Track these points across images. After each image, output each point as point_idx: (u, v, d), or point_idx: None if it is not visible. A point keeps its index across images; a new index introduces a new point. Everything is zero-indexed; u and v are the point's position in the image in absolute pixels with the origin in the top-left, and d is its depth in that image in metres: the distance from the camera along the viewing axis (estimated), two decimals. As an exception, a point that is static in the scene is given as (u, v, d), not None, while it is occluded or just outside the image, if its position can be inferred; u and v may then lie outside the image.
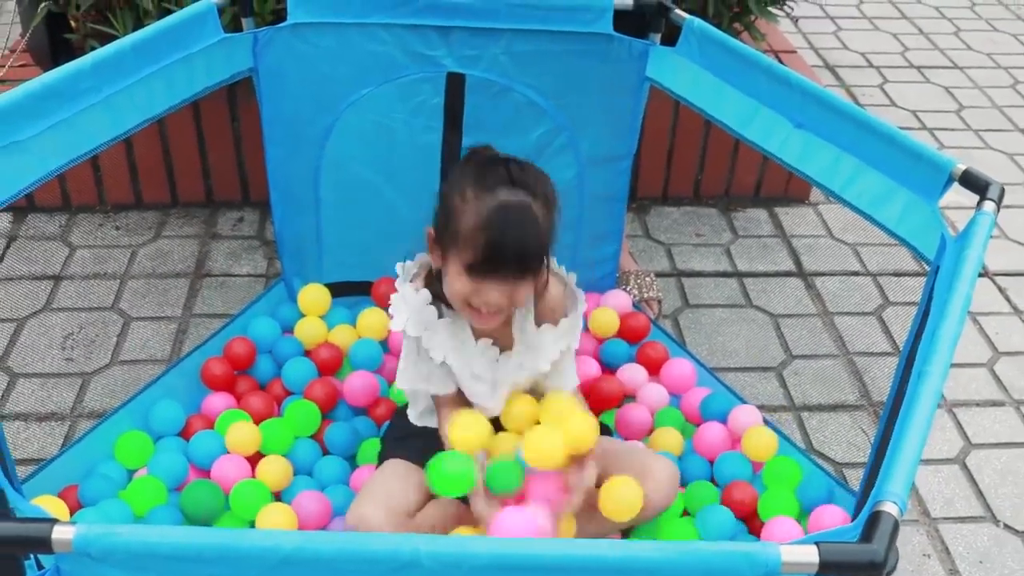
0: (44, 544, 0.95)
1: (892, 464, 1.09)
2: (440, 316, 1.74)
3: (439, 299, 1.72)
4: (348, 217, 2.29)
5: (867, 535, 1.00)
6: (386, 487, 1.76)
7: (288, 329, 2.29)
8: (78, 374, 2.34)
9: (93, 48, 2.61)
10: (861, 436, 2.28)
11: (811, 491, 1.95)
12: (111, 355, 2.40)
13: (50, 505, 1.77)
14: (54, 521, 0.96)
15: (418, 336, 1.73)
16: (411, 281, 1.76)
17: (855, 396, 2.40)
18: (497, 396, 1.77)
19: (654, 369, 2.25)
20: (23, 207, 2.87)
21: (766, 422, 2.11)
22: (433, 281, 1.73)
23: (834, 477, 2.05)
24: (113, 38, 2.46)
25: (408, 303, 1.73)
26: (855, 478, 2.17)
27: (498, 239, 1.53)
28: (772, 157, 1.92)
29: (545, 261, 1.62)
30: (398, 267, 1.79)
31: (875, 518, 1.02)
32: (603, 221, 2.36)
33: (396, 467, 1.81)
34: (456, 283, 1.61)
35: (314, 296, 2.31)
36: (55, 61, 2.75)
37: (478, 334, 1.75)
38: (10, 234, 2.79)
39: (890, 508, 1.03)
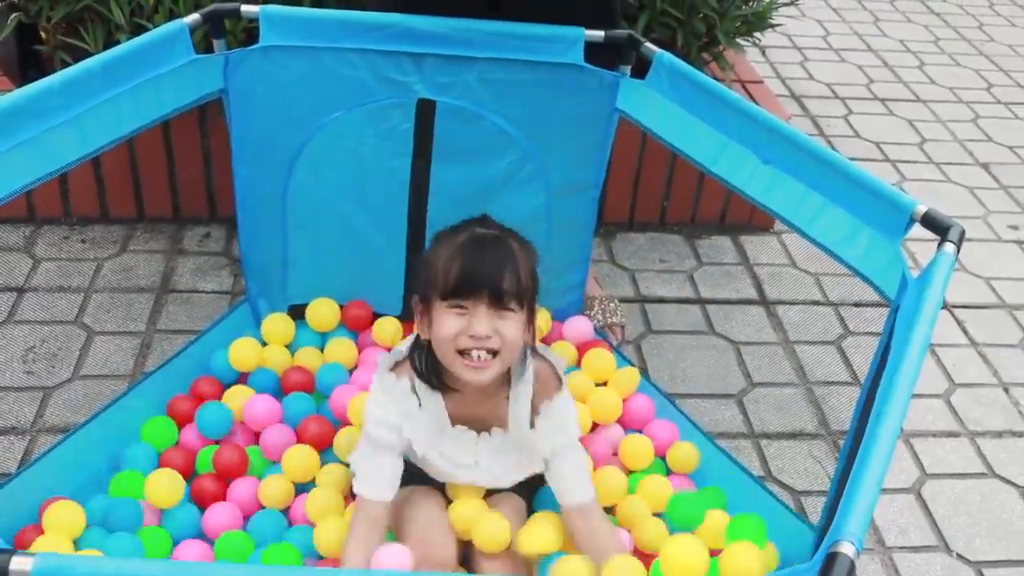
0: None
1: (849, 504, 1.11)
2: (419, 406, 1.74)
3: (423, 378, 1.73)
4: (315, 240, 2.29)
5: (823, 576, 1.02)
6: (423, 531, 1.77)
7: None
8: (39, 388, 2.32)
9: (63, 61, 2.61)
10: (818, 465, 2.30)
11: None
12: (73, 369, 2.38)
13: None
14: (11, 552, 0.96)
15: (397, 427, 1.72)
16: (391, 370, 1.76)
17: (814, 425, 2.42)
18: (488, 473, 1.80)
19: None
20: (-14, 218, 2.84)
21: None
22: (419, 358, 1.73)
23: (789, 507, 2.07)
24: (84, 51, 2.47)
25: (387, 390, 1.74)
26: (812, 507, 2.19)
27: (473, 257, 1.60)
28: (738, 192, 1.94)
29: (527, 295, 1.65)
30: (379, 356, 1.85)
31: (831, 559, 1.04)
32: (570, 249, 2.36)
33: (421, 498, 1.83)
34: (442, 326, 1.62)
35: (278, 326, 2.30)
36: (24, 73, 2.74)
37: (455, 419, 1.76)
38: (-27, 245, 2.77)
39: (847, 549, 1.05)
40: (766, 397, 2.49)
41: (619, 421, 2.19)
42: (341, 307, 2.34)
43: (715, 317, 2.75)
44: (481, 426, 1.78)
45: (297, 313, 2.34)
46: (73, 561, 0.96)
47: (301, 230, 2.28)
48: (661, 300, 2.80)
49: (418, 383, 1.73)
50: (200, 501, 1.94)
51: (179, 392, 2.16)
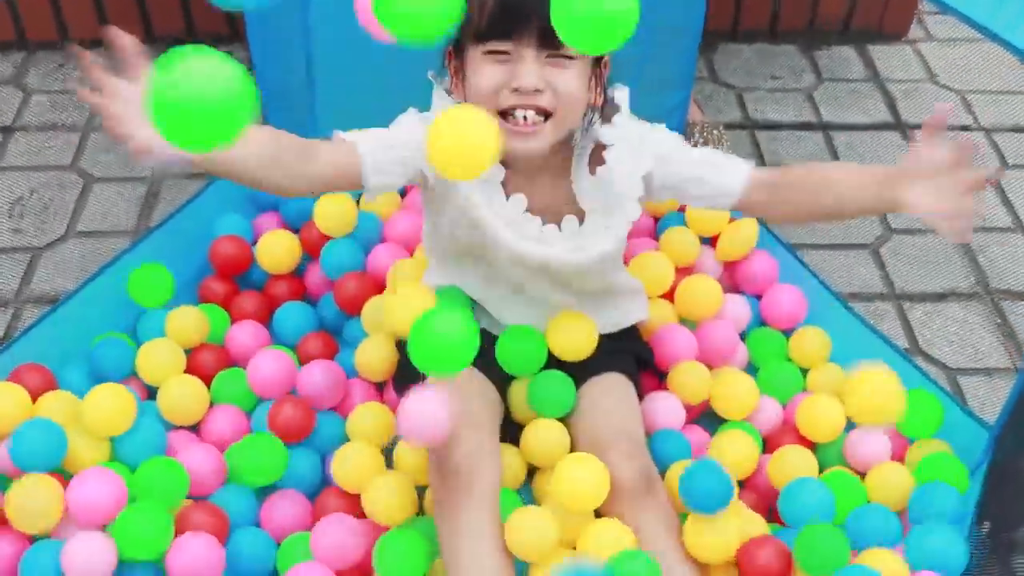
0: None
1: None
2: None
3: None
4: (348, 56, 1.87)
5: None
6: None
7: (271, 208, 1.90)
8: (26, 249, 2.02)
9: None
10: (977, 333, 1.92)
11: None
12: (67, 225, 2.07)
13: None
14: None
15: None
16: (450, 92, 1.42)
17: (969, 282, 2.05)
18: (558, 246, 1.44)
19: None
20: (-31, 44, 2.51)
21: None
22: None
23: (944, 390, 1.68)
24: None
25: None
26: (971, 389, 1.82)
27: None
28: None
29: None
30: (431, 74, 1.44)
31: None
32: (671, 62, 1.94)
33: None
34: (480, 78, 1.30)
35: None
36: None
37: (509, 190, 1.42)
38: (-46, 76, 2.43)
39: None
40: (908, 247, 2.12)
41: (737, 288, 1.81)
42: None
43: (840, 145, 2.39)
44: (547, 207, 1.44)
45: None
46: None
47: (329, 42, 1.88)
48: (775, 125, 2.44)
49: None
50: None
51: (183, 250, 1.81)
